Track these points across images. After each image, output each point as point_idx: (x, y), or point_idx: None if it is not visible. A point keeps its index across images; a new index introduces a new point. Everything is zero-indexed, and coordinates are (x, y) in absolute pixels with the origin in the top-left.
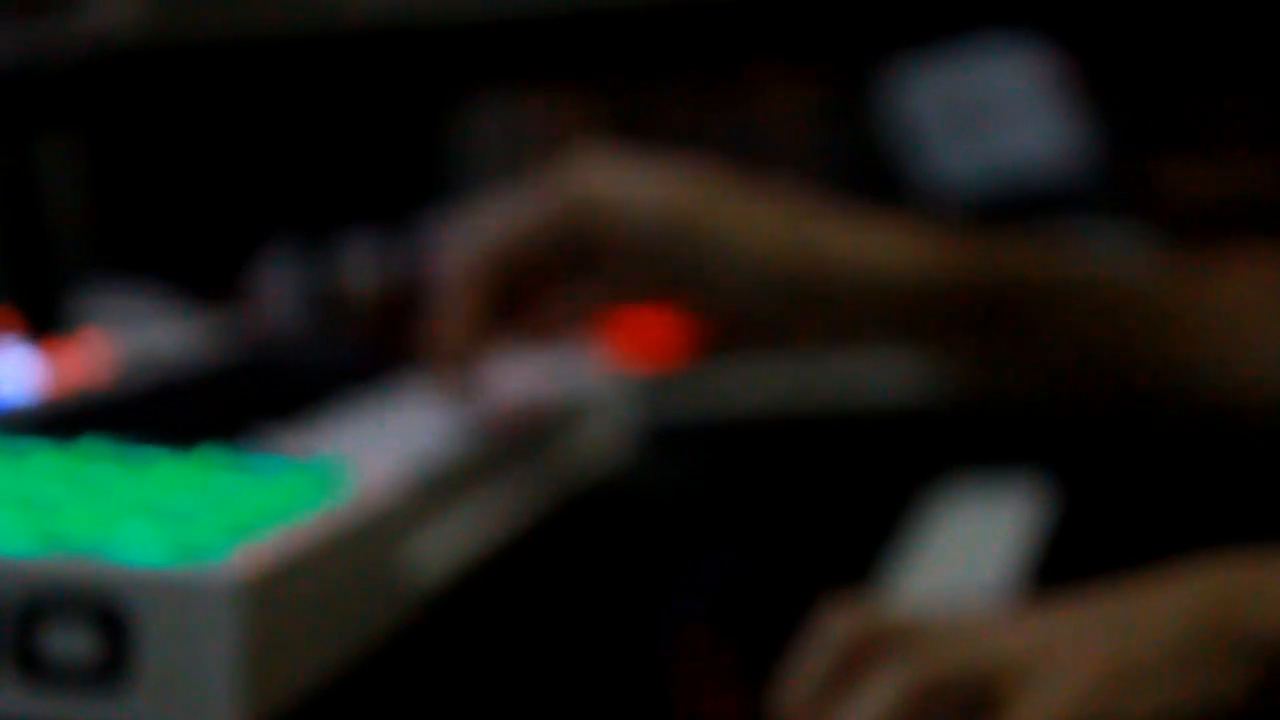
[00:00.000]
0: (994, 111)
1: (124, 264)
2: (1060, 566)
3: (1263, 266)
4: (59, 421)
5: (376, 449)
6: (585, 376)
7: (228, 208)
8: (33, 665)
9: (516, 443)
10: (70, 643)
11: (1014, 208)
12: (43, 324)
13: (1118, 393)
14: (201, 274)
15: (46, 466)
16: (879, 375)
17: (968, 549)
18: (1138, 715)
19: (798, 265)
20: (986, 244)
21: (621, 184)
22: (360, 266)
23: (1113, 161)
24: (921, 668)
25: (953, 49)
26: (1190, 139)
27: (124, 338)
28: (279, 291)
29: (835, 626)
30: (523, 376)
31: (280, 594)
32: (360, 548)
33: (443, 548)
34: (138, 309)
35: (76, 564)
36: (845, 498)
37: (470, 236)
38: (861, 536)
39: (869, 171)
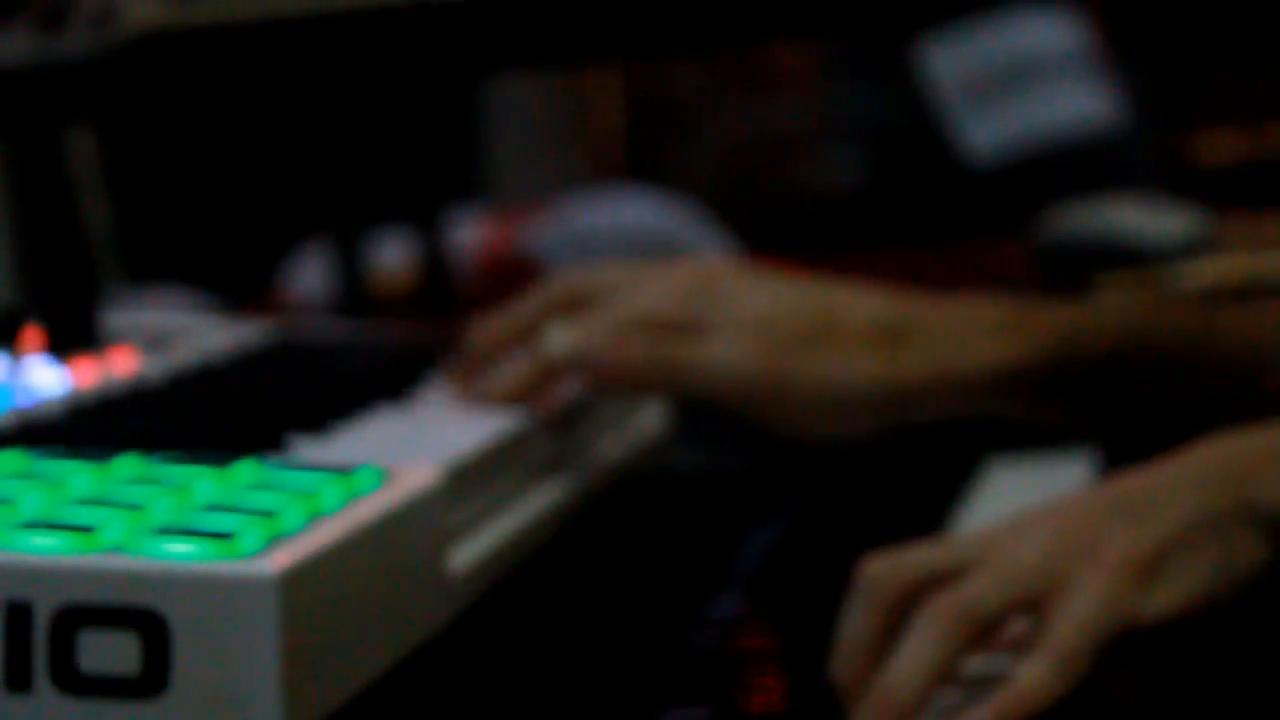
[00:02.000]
0: (1027, 78)
1: (153, 272)
2: None
3: None
4: (92, 432)
5: (410, 443)
6: None
7: (256, 208)
8: (69, 668)
9: (550, 432)
10: (107, 644)
11: (1047, 176)
12: (71, 340)
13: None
14: (232, 276)
15: (80, 481)
16: None
17: None
18: (1164, 602)
19: (885, 402)
20: (1062, 316)
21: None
22: (392, 258)
23: (1148, 129)
24: (959, 611)
25: (984, 14)
26: (1223, 109)
27: (155, 350)
28: (310, 288)
29: (871, 580)
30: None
31: (318, 585)
32: (396, 540)
33: (480, 541)
34: (168, 320)
35: (110, 563)
36: (893, 478)
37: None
38: (909, 517)
39: (905, 139)
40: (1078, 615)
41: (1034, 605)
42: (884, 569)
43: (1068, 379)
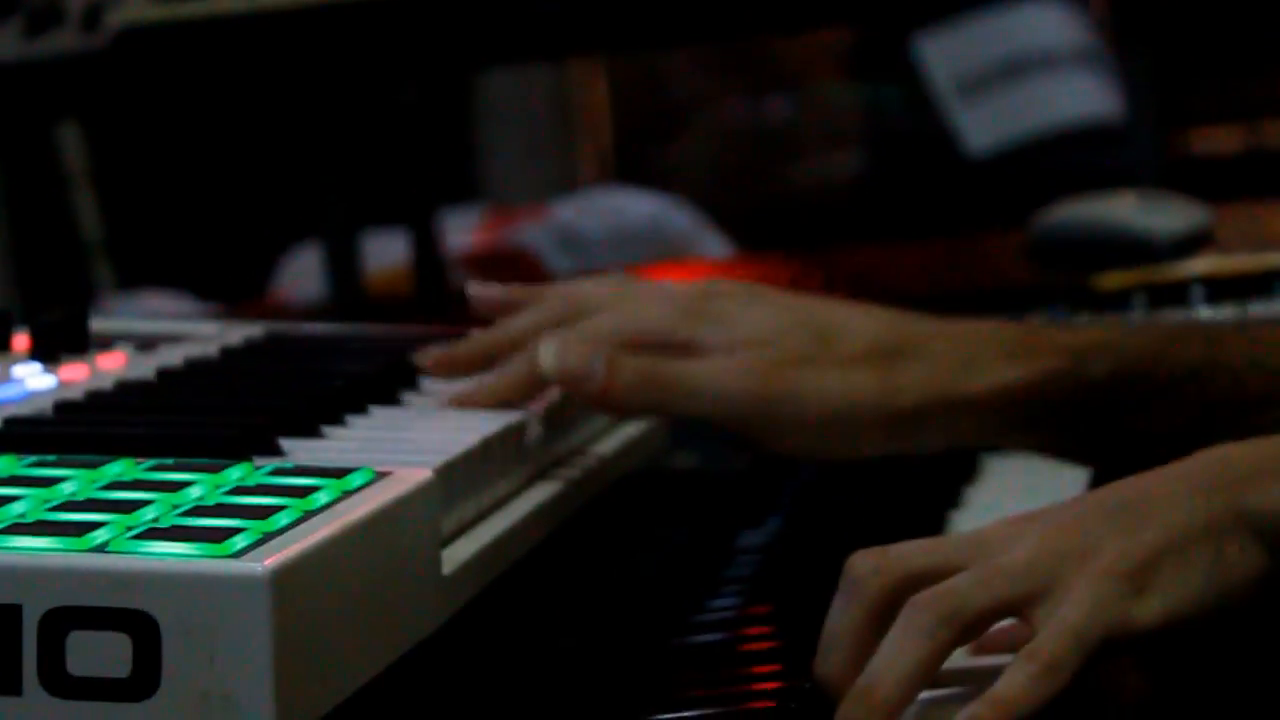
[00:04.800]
0: (1024, 71)
1: (144, 276)
2: None
3: None
4: (81, 435)
5: (403, 444)
6: None
7: (248, 211)
8: (59, 670)
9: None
10: (97, 646)
11: (1044, 170)
12: (61, 343)
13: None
14: (224, 278)
15: (69, 483)
16: None
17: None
18: (1154, 610)
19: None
20: (1068, 339)
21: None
22: (386, 259)
23: (1145, 123)
24: (943, 610)
25: (982, 7)
26: (1220, 104)
27: (145, 352)
28: (303, 289)
29: (858, 576)
30: None
31: (309, 584)
32: (388, 539)
33: (474, 540)
34: (158, 323)
35: (99, 564)
36: (891, 476)
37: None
38: (907, 516)
39: (902, 133)
40: (1064, 622)
41: (1020, 608)
42: (871, 565)
43: (1075, 402)
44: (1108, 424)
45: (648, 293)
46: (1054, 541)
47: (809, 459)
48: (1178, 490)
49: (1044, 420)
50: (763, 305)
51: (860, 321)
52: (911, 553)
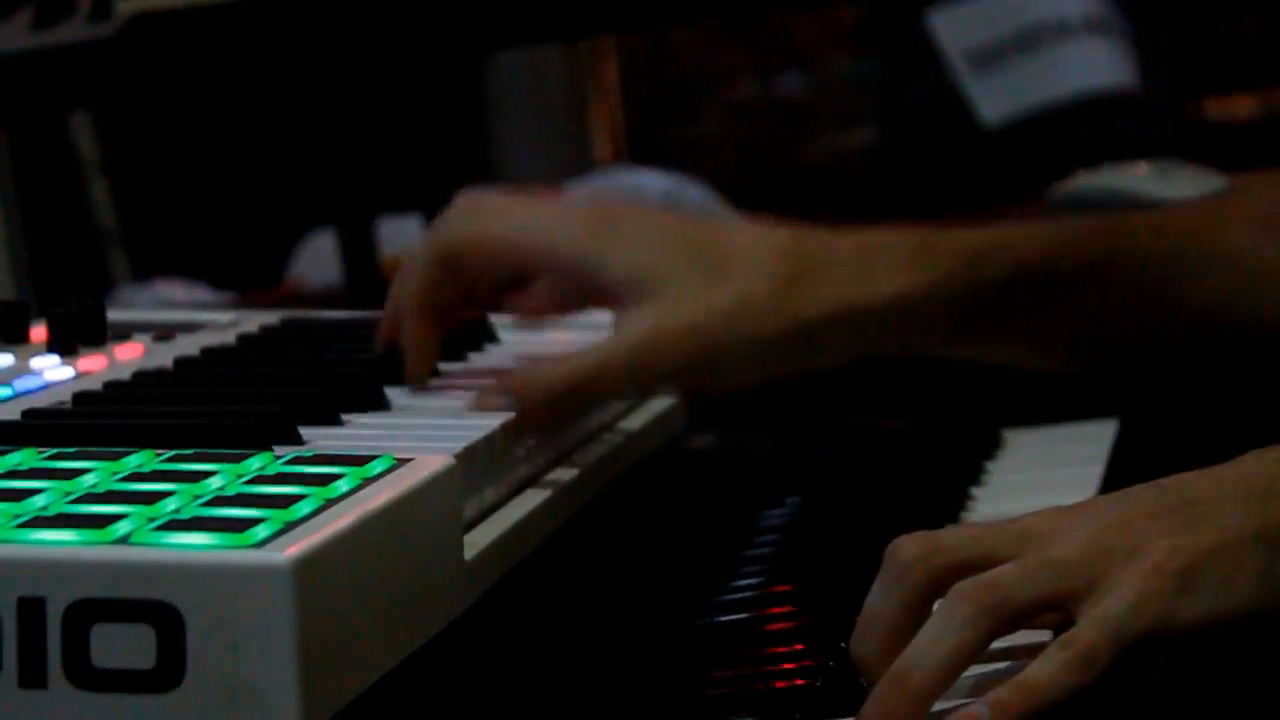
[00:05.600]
0: (1038, 42)
1: (160, 266)
2: None
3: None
4: (100, 426)
5: (423, 431)
6: None
7: (264, 199)
8: (83, 663)
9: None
10: (121, 638)
11: (1060, 141)
12: (79, 334)
13: (1155, 348)
14: (240, 267)
15: (90, 475)
16: None
17: (1036, 492)
18: (1199, 610)
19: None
20: (965, 241)
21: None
22: (401, 246)
23: (1162, 92)
24: (987, 600)
25: None
26: (1238, 71)
27: (163, 342)
28: (319, 277)
29: (903, 560)
30: (563, 346)
31: (332, 573)
32: (411, 526)
33: (496, 525)
34: (175, 313)
35: (122, 556)
36: (911, 453)
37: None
38: (927, 492)
39: (918, 108)
40: (1106, 614)
41: (1065, 602)
42: (917, 552)
43: (974, 304)
44: (1006, 327)
45: (546, 203)
46: (1104, 538)
47: (723, 392)
48: (1234, 493)
49: (945, 325)
50: (657, 231)
51: (757, 244)
52: (958, 542)
